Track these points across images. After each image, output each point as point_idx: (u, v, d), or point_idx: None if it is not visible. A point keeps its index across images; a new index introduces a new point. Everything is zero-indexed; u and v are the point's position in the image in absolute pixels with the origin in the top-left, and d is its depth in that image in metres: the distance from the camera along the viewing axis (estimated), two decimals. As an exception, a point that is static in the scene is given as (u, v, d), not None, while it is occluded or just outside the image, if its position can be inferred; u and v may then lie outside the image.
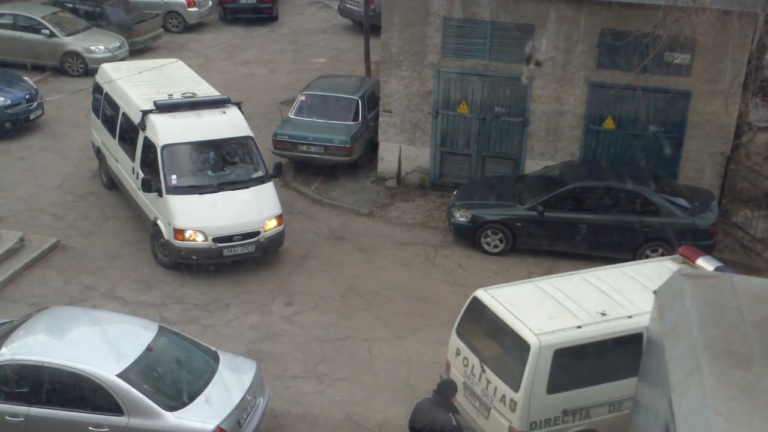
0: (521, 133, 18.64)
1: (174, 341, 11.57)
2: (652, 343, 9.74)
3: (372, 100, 20.45)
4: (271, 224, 15.74)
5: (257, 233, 15.52)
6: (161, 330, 11.56)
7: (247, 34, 31.26)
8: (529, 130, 18.55)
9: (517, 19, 17.91)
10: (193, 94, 16.66)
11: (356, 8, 29.72)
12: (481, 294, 11.37)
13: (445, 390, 9.81)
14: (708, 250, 16.06)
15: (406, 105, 19.14)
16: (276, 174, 16.46)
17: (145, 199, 16.05)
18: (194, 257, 15.35)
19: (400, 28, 18.67)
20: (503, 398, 10.62)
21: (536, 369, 10.35)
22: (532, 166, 18.51)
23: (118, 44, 26.85)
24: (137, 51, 28.13)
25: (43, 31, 26.04)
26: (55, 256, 16.27)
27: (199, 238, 15.20)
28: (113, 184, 18.22)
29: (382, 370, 13.39)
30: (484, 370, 10.94)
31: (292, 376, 13.19)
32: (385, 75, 19.16)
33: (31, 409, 10.59)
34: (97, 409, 10.52)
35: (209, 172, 15.92)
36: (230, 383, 11.18)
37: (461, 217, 16.81)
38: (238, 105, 16.74)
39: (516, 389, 10.44)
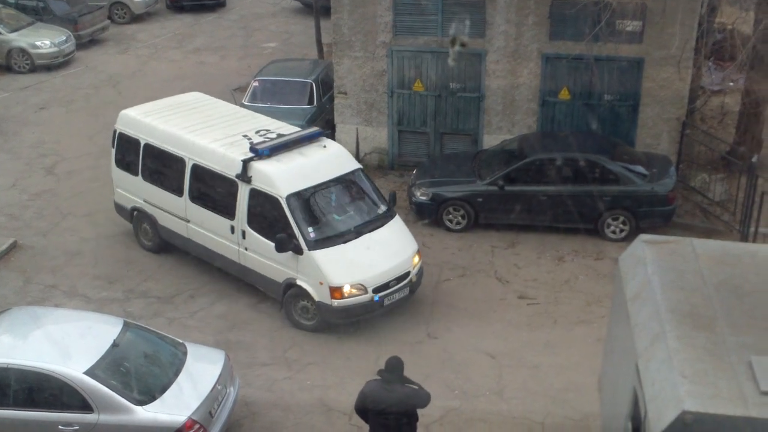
0: (477, 109, 18.66)
1: (140, 336, 11.47)
2: (617, 309, 9.83)
3: (326, 83, 20.34)
4: (416, 260, 14.26)
5: (408, 273, 13.97)
6: (126, 325, 11.45)
7: (194, 21, 30.91)
8: (486, 105, 18.56)
9: (467, -6, 17.88)
10: (267, 130, 14.88)
11: (305, -10, 29.52)
12: None
13: (396, 367, 9.83)
14: (668, 216, 16.33)
15: (360, 86, 19.06)
16: (392, 204, 14.88)
17: (264, 260, 13.92)
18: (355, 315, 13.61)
19: (350, 9, 18.54)
20: None
21: None
22: (489, 141, 18.54)
23: (64, 38, 26.42)
24: (84, 44, 27.72)
25: (-14, 28, 25.55)
26: (14, 256, 16.02)
27: (359, 292, 13.50)
28: (165, 245, 15.87)
29: (352, 353, 13.38)
30: None
31: (261, 364, 13.14)
32: (338, 56, 19.05)
33: (-1, 411, 10.45)
34: (65, 407, 10.41)
35: (335, 217, 14.11)
36: (199, 374, 11.12)
37: (422, 195, 16.81)
38: (327, 135, 15.28)
39: None
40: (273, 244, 13.48)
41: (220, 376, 11.17)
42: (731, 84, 21.68)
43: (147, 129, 15.47)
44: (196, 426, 10.44)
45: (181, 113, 15.83)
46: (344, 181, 14.49)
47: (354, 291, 13.37)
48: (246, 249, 14.13)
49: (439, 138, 19.07)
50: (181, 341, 11.78)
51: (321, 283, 13.33)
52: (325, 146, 14.61)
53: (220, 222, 14.41)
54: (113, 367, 10.72)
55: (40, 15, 27.75)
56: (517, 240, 16.47)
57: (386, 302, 13.66)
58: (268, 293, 14.29)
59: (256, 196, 13.85)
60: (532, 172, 16.39)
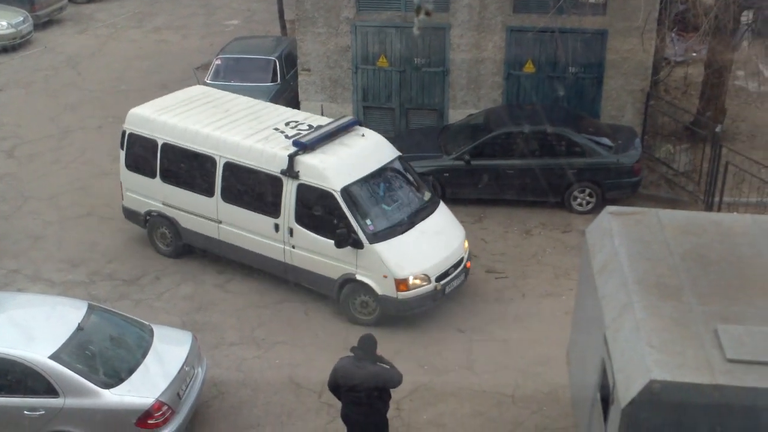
0: (442, 83, 18.59)
1: (105, 318, 11.34)
2: (585, 281, 9.86)
3: (290, 60, 20.16)
4: (466, 245, 13.99)
5: (462, 259, 13.71)
6: (91, 308, 11.32)
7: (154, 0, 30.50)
8: (450, 80, 18.50)
9: (430, -33, 17.73)
10: (296, 122, 14.36)
11: (267, -33, 29.17)
12: None
13: (369, 345, 9.81)
14: (634, 188, 16.42)
15: (324, 62, 18.91)
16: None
17: (316, 257, 13.40)
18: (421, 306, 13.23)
19: (313, -16, 18.36)
20: None
21: None
22: (455, 115, 18.50)
23: (21, 19, 25.95)
24: (41, 25, 27.24)
25: (-60, 10, 25.00)
26: (-26, 241, 15.78)
27: (423, 282, 13.14)
28: (186, 249, 15.09)
29: (321, 331, 13.34)
30: None
31: (229, 344, 13.06)
32: (301, 33, 18.87)
33: (-37, 398, 10.31)
34: (31, 392, 10.30)
35: (386, 207, 13.62)
36: (166, 356, 11.02)
37: (389, 171, 16.72)
38: (360, 123, 14.71)
39: None
40: (325, 240, 13.12)
41: (187, 357, 11.09)
42: (694, 54, 21.81)
43: (165, 128, 14.57)
44: (164, 408, 10.36)
45: (198, 109, 14.98)
46: (390, 170, 14.07)
47: (418, 282, 13.03)
48: (294, 247, 13.60)
49: (404, 113, 18.99)
50: (147, 323, 11.67)
51: (385, 277, 12.95)
52: (363, 135, 14.14)
53: (262, 221, 13.78)
54: (79, 350, 10.60)
55: (-5, -5, 27.21)
56: (485, 214, 16.47)
57: (447, 290, 13.41)
58: (320, 291, 13.75)
59: (306, 191, 13.29)
60: (497, 146, 16.37)
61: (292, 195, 13.38)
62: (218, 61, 20.07)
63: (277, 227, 13.64)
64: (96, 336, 10.98)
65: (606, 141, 16.46)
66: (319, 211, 13.27)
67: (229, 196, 14.08)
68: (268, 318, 13.66)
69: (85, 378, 10.31)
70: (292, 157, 13.23)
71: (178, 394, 10.67)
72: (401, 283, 12.92)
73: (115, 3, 30.28)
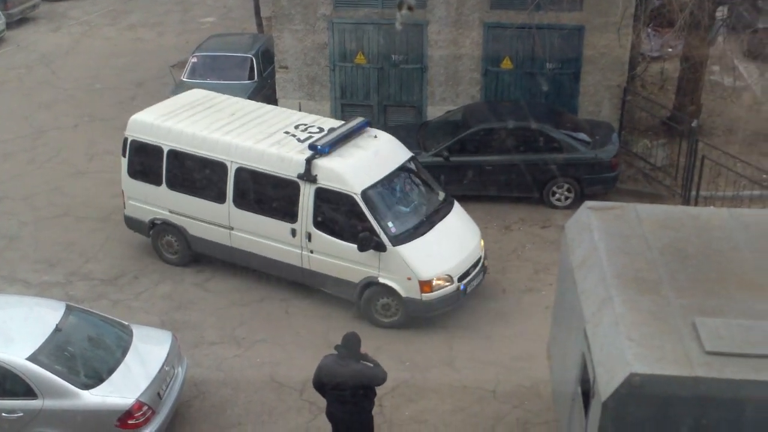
0: (420, 80, 18.59)
1: (83, 319, 11.26)
2: (565, 276, 9.89)
3: (267, 57, 20.10)
4: (482, 243, 14.00)
5: (480, 258, 13.71)
6: (69, 309, 11.23)
7: (129, -4, 30.33)
8: (429, 76, 18.50)
9: (407, -36, 17.69)
10: (305, 125, 14.17)
11: (243, -36, 29.06)
12: None
13: (352, 343, 9.80)
14: (612, 182, 16.49)
15: (302, 59, 18.85)
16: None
17: (336, 261, 13.22)
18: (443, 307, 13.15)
19: (289, -19, 18.30)
20: None
21: None
22: (433, 112, 18.51)
23: (-5, 17, 25.74)
24: (14, 23, 27.00)
25: None
26: (-51, 242, 15.61)
27: (446, 283, 13.05)
28: (193, 258, 14.81)
29: (302, 328, 13.31)
30: None
31: (209, 343, 13.00)
32: (278, 30, 18.79)
33: (-61, 401, 10.20)
34: (8, 394, 10.21)
35: (404, 209, 13.52)
36: (146, 356, 10.96)
37: (367, 168, 16.68)
38: (370, 123, 14.44)
39: None
40: (346, 244, 12.98)
41: (167, 356, 11.04)
42: (670, 50, 21.91)
43: (171, 134, 14.17)
44: (144, 408, 10.31)
45: (202, 114, 14.62)
46: (405, 170, 13.98)
47: (441, 282, 12.97)
48: (312, 252, 13.43)
49: (382, 110, 18.97)
50: (126, 323, 11.60)
51: (409, 279, 12.85)
52: (375, 136, 13.98)
53: (277, 226, 13.56)
54: (57, 351, 10.52)
55: (-33, -7, 26.96)
56: (465, 211, 16.47)
57: (468, 290, 13.36)
58: (338, 295, 13.58)
59: (324, 195, 13.11)
60: (476, 142, 16.40)
61: (309, 199, 13.20)
62: (194, 59, 19.97)
63: (293, 232, 13.46)
64: (74, 337, 10.90)
65: (584, 136, 16.53)
66: (339, 215, 13.15)
67: (241, 202, 13.84)
68: (249, 316, 13.61)
69: (64, 379, 10.24)
70: (309, 161, 13.07)
71: (158, 394, 10.62)
72: (425, 285, 12.85)
73: (89, 0, 30.06)
